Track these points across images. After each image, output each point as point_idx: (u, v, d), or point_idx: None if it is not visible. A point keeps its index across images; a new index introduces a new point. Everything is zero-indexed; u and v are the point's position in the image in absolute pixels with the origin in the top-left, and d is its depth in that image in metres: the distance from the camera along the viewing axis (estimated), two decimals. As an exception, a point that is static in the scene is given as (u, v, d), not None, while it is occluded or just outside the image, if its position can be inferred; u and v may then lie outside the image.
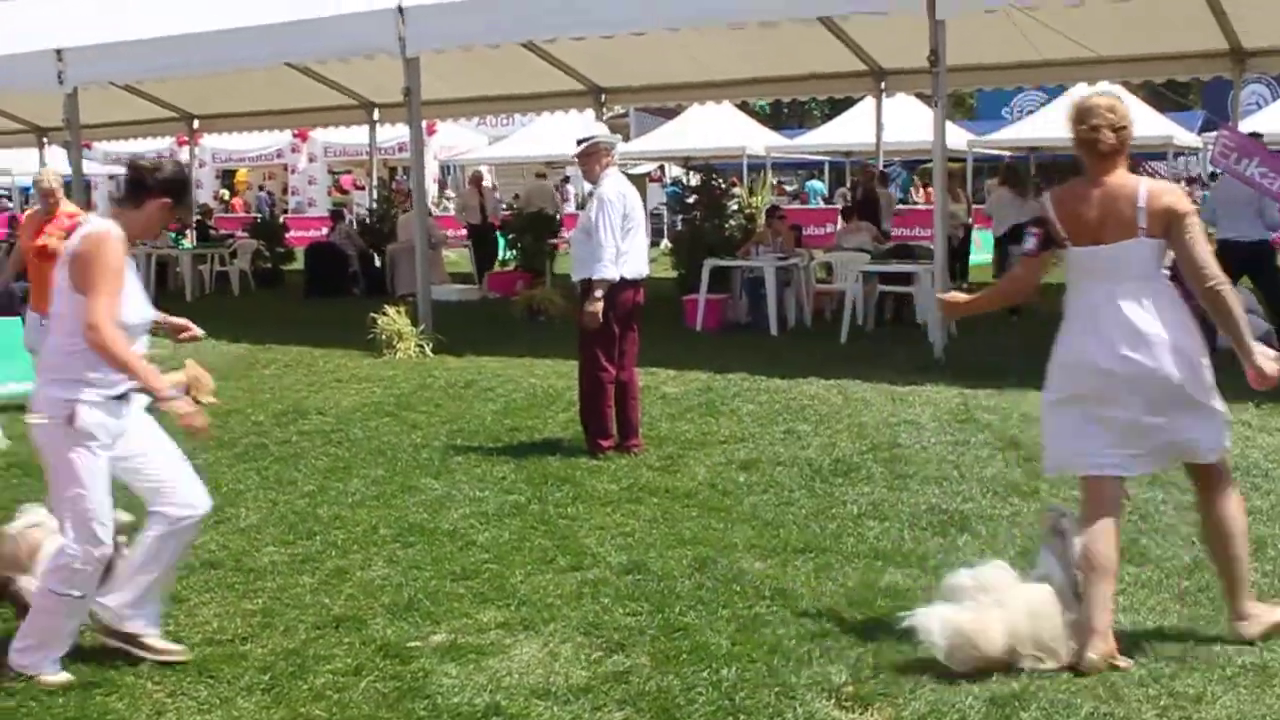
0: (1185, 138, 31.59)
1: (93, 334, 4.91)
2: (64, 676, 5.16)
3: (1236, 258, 11.99)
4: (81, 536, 5.11)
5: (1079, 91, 26.13)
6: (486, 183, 25.71)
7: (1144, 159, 35.49)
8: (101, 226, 5.10)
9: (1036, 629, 5.07)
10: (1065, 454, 5.44)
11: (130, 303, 5.13)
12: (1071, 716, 4.68)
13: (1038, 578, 5.30)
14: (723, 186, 20.20)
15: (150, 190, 5.20)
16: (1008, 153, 32.71)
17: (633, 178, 38.78)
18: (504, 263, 23.30)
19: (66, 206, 10.75)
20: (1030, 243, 5.48)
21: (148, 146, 34.86)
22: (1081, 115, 5.21)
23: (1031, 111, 35.00)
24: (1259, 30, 16.27)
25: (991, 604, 5.12)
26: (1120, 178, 5.21)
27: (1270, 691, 4.83)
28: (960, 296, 6.32)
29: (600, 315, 8.74)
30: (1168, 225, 5.10)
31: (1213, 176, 30.19)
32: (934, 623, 5.05)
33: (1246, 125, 22.04)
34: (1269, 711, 4.68)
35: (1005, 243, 17.00)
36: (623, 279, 8.82)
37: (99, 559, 5.17)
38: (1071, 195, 5.33)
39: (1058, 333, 5.48)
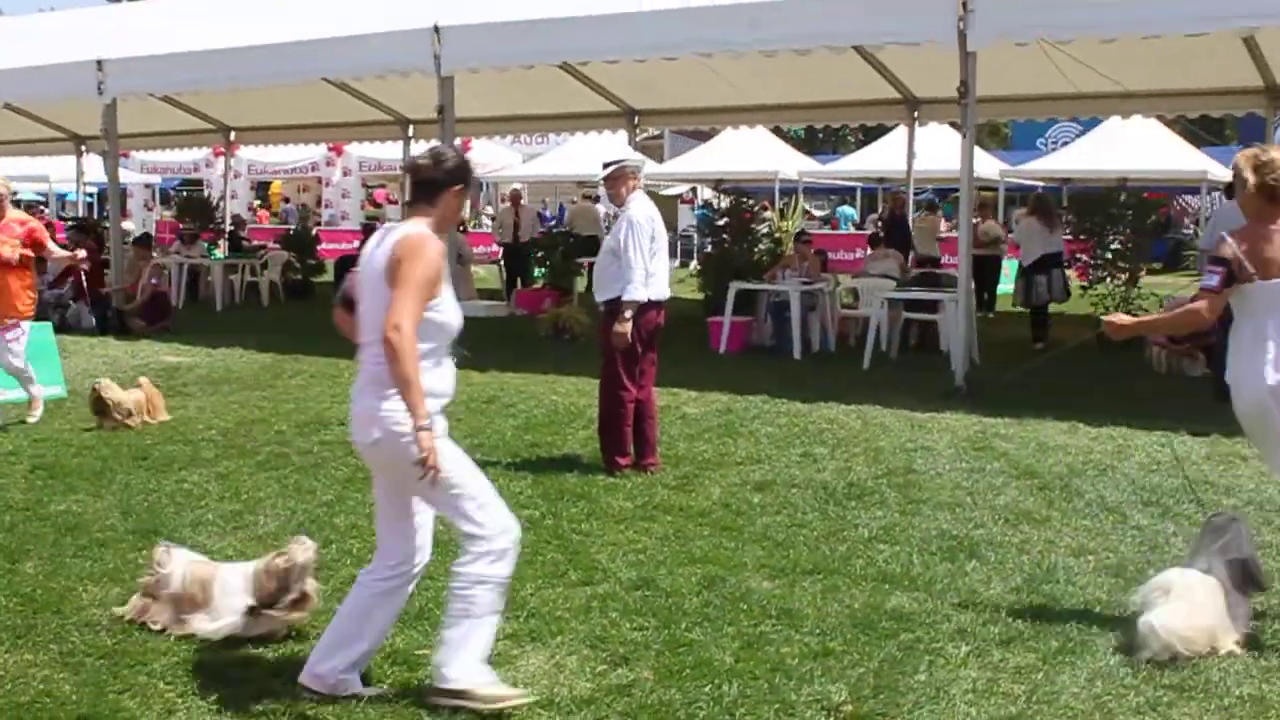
0: (1220, 172, 31.49)
1: (395, 334, 4.72)
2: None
3: None
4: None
5: (1113, 124, 26.36)
6: (524, 201, 25.84)
7: (1178, 192, 35.49)
8: (417, 230, 4.97)
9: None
10: None
11: (449, 305, 5.07)
12: (1067, 742, 4.74)
13: (1202, 570, 5.79)
14: (753, 210, 20.27)
15: (443, 185, 5.11)
16: (1040, 183, 32.72)
17: (665, 199, 38.95)
18: (534, 280, 23.43)
19: (15, 214, 11.08)
20: (1214, 280, 5.86)
21: (184, 158, 35.29)
22: (1261, 167, 5.85)
23: (1066, 143, 35.00)
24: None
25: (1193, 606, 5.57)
26: None
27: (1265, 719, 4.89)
28: (1125, 319, 6.75)
29: (629, 335, 8.83)
30: None
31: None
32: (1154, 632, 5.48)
33: None
34: (1262, 742, 4.73)
35: (1030, 272, 16.99)
36: (648, 300, 8.91)
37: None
38: (1256, 235, 5.86)
39: (1246, 357, 5.89)
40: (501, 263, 23.92)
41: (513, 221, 23.19)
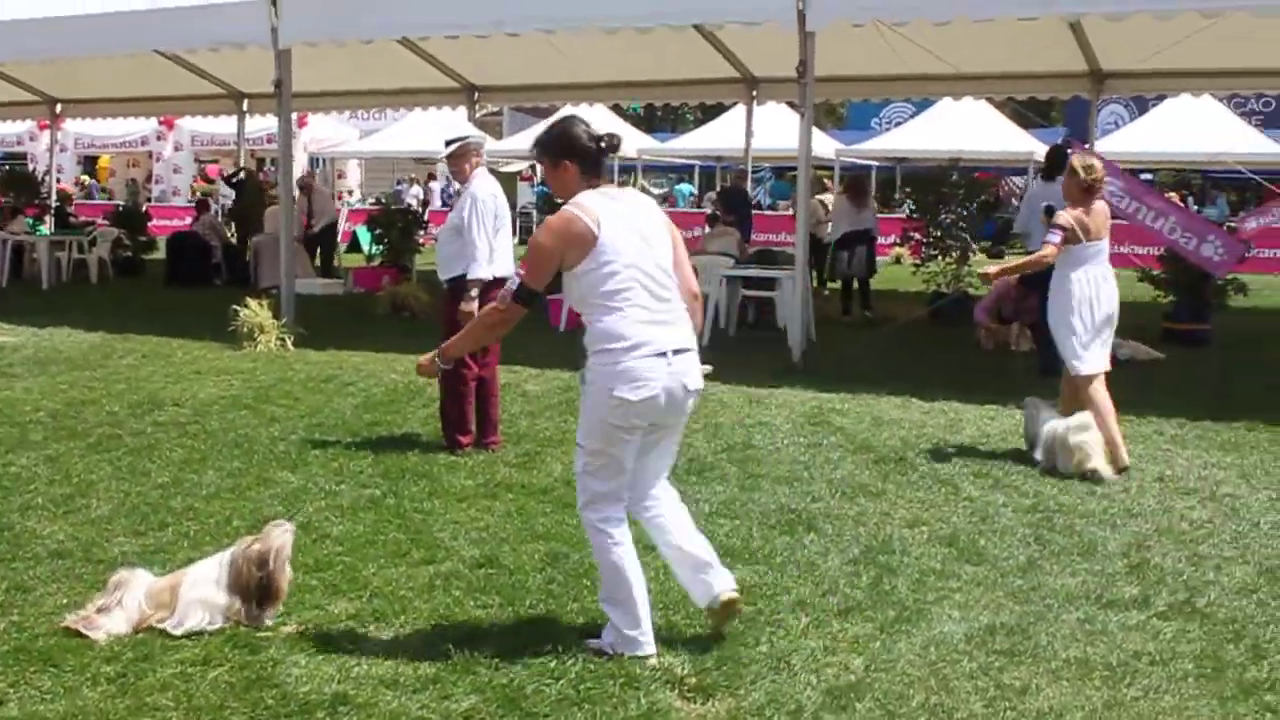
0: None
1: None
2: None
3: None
4: None
5: (945, 105, 26.90)
6: (354, 178, 25.37)
7: (1007, 173, 36.44)
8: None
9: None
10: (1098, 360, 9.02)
11: None
12: (904, 707, 4.86)
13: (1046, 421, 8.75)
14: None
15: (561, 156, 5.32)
16: (875, 162, 33.33)
17: (504, 176, 38.80)
18: (369, 258, 23.11)
19: None
20: (1057, 237, 8.64)
21: (6, 130, 34.11)
22: (1086, 169, 8.81)
23: (900, 123, 35.69)
24: (1117, 53, 16.82)
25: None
26: (1101, 204, 8.98)
27: (1089, 683, 5.07)
28: (993, 265, 9.90)
29: (475, 313, 8.78)
30: None
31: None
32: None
33: (1103, 144, 22.76)
34: (1086, 702, 4.91)
35: (837, 248, 17.49)
36: (492, 277, 8.87)
37: None
38: (1080, 213, 8.77)
39: (1069, 287, 8.87)
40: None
41: (305, 210, 21.03)
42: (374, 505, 7.58)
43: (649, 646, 5.29)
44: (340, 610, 5.80)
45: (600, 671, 5.13)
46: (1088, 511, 7.61)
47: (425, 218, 23.53)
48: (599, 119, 31.30)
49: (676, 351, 5.15)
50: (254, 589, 5.57)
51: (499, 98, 24.52)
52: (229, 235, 23.26)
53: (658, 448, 5.38)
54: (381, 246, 21.99)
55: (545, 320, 15.86)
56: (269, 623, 5.55)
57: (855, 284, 17.68)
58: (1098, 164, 8.86)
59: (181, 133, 37.33)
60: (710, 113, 34.50)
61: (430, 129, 23.32)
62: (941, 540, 7.00)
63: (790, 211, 30.85)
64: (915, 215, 18.91)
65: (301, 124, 29.52)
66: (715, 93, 21.68)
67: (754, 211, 24.30)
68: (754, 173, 27.51)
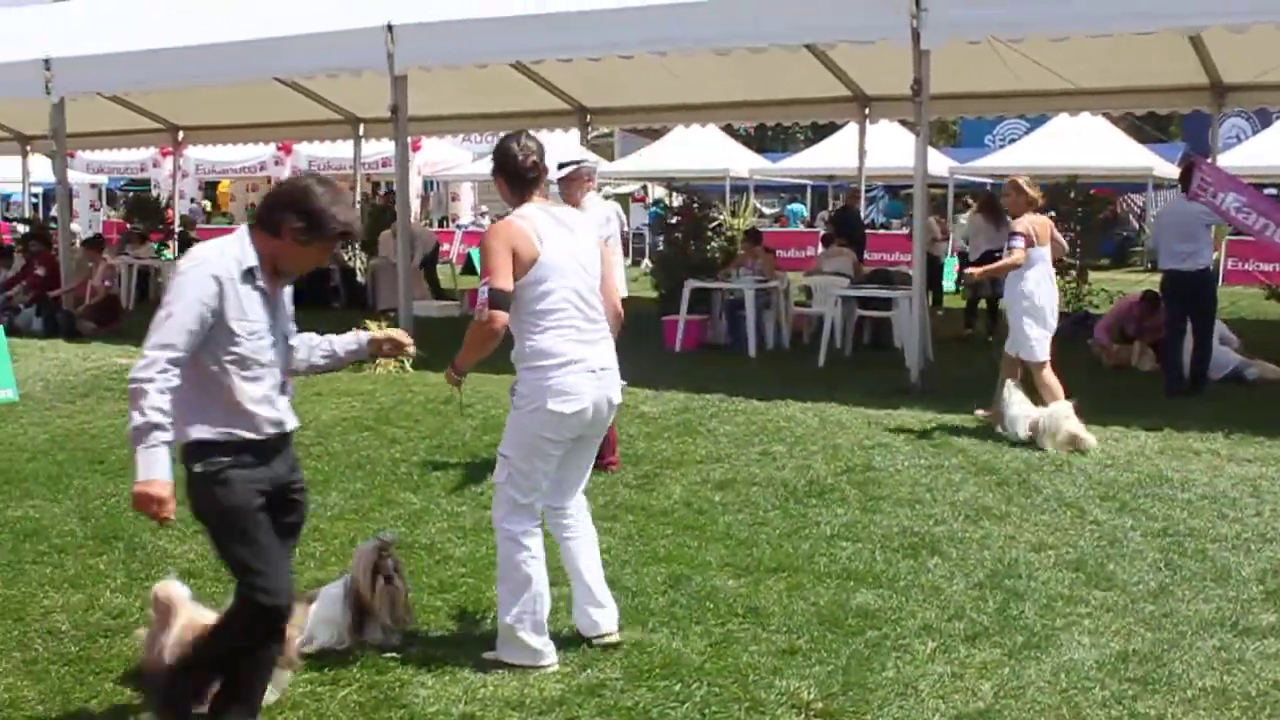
0: (1165, 169, 31.85)
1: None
2: None
3: (1180, 288, 12.37)
4: None
5: (1060, 121, 26.59)
6: (466, 201, 25.58)
7: (1124, 190, 35.84)
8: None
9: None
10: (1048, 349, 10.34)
11: None
12: (1035, 736, 4.79)
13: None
14: (703, 210, 20.25)
15: None
16: (989, 180, 32.92)
17: (616, 197, 38.95)
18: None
19: None
20: (1021, 243, 10.21)
21: (130, 157, 34.94)
22: (1031, 187, 10.55)
23: (1014, 140, 35.28)
24: (1238, 65, 16.48)
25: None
26: (1043, 217, 10.68)
27: (1227, 714, 4.96)
28: (976, 269, 11.84)
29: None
30: None
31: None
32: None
33: (1225, 159, 22.30)
34: (1227, 734, 4.80)
35: (977, 264, 17.22)
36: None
37: None
38: (1033, 221, 10.33)
39: (1024, 286, 10.31)
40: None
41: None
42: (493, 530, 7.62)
43: (550, 658, 5.42)
44: (465, 631, 5.84)
45: (725, 695, 5.12)
46: (1220, 536, 7.44)
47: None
48: (709, 139, 31.49)
49: (603, 368, 5.44)
50: (357, 606, 5.65)
51: (611, 120, 24.59)
52: (346, 259, 23.58)
53: (574, 459, 5.58)
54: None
55: (660, 341, 15.90)
56: (377, 638, 5.59)
57: (984, 303, 17.39)
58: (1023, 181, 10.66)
59: (299, 157, 37.87)
60: (821, 132, 34.39)
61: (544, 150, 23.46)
62: (1069, 564, 6.88)
63: (904, 230, 30.66)
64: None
65: (415, 148, 29.86)
66: (827, 112, 21.56)
67: (868, 231, 24.16)
68: (867, 191, 27.33)
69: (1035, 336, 10.30)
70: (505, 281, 5.26)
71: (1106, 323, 14.99)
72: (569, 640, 5.72)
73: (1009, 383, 10.31)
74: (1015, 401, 10.17)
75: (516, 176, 5.48)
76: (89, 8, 20.80)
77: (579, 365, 5.32)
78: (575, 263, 5.38)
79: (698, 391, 12.13)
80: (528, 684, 5.25)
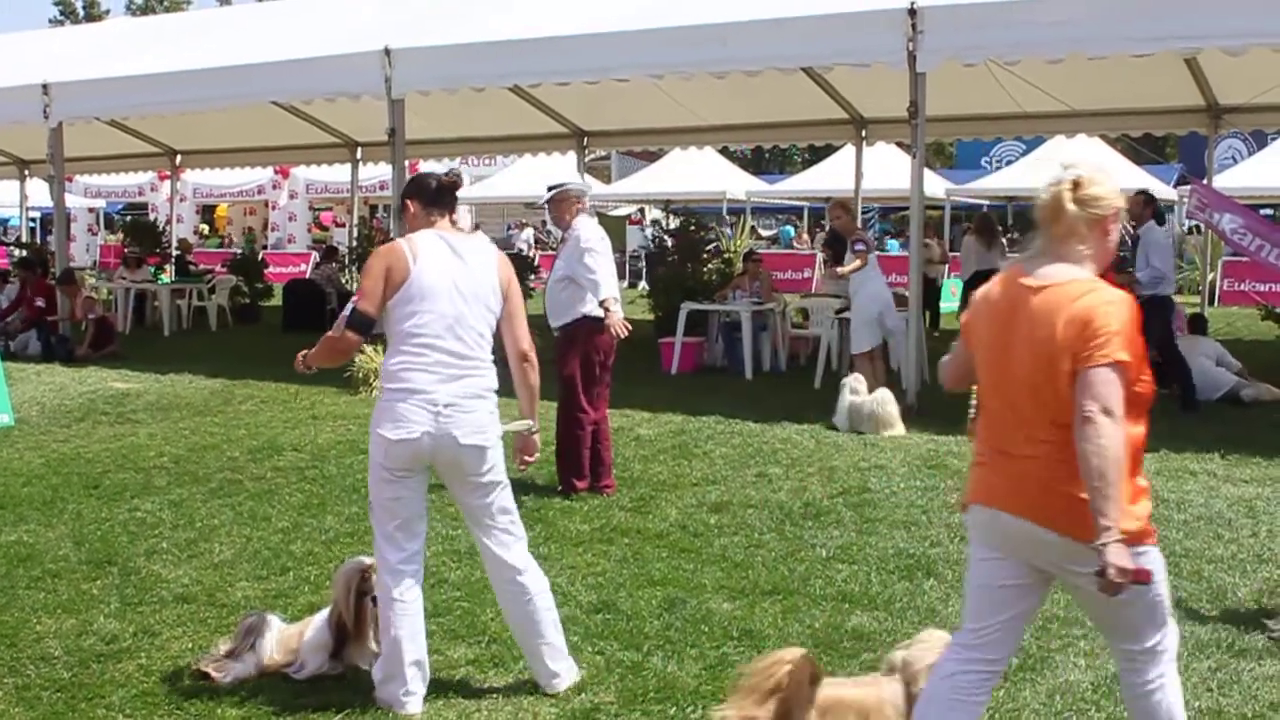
0: (1162, 191, 31.90)
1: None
2: None
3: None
4: None
5: (1056, 143, 26.69)
6: (465, 223, 25.66)
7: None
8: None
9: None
10: None
11: None
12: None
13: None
14: (700, 232, 20.26)
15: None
16: (985, 201, 33.00)
17: (613, 220, 38.94)
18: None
19: None
20: (864, 248, 12.68)
21: (128, 181, 35.01)
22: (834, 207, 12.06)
23: (1010, 162, 35.34)
24: (1234, 87, 16.52)
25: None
26: None
27: (1224, 737, 4.94)
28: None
29: (623, 325, 9.02)
30: None
31: (1190, 230, 30.59)
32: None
33: (1221, 180, 22.36)
34: (1222, 756, 4.78)
35: (966, 287, 17.42)
36: (601, 319, 8.94)
37: None
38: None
39: (873, 289, 12.86)
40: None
41: None
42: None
43: (412, 706, 5.19)
44: (459, 655, 5.83)
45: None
46: (1215, 557, 7.43)
47: (536, 262, 23.69)
48: (706, 162, 31.55)
49: (449, 405, 5.16)
50: (339, 628, 5.61)
51: (608, 142, 24.68)
52: (344, 281, 23.59)
53: (464, 501, 5.41)
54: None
55: (657, 363, 15.89)
56: (367, 661, 5.51)
57: None
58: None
59: (296, 181, 38.03)
60: (818, 154, 34.46)
61: (539, 174, 23.54)
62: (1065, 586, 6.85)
63: (902, 252, 30.68)
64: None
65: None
66: (824, 134, 21.58)
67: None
68: (864, 214, 27.35)
69: (870, 331, 12.91)
70: (370, 304, 5.18)
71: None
72: (563, 664, 5.71)
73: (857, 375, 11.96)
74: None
75: (422, 193, 5.41)
76: (87, 33, 20.92)
77: (420, 397, 5.14)
78: (453, 291, 5.20)
79: (694, 414, 12.12)
80: (521, 708, 5.23)
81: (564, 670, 5.42)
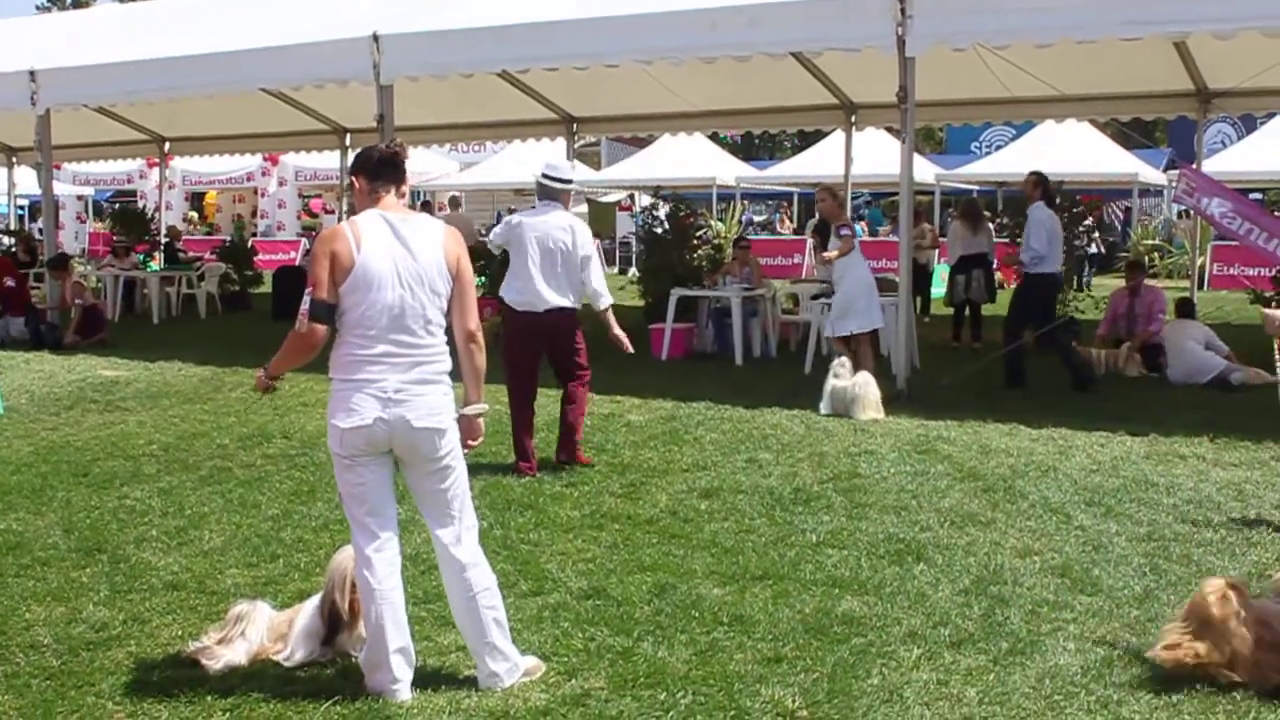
0: (1151, 175, 31.96)
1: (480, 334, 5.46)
2: None
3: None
4: None
5: (1046, 128, 26.70)
6: (449, 210, 25.70)
7: (1111, 196, 35.95)
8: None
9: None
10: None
11: None
12: (1020, 742, 4.78)
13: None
14: (690, 218, 20.23)
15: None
16: (975, 186, 33.03)
17: (603, 206, 38.88)
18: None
19: None
20: (849, 230, 12.91)
21: (117, 169, 34.92)
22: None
23: (1000, 146, 35.39)
24: (1224, 71, 16.51)
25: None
26: None
27: (1213, 716, 4.94)
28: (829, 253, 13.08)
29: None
30: None
31: (1180, 215, 30.62)
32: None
33: (1210, 164, 22.38)
34: (1211, 738, 4.80)
35: (953, 272, 17.47)
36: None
37: None
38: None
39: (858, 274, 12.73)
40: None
41: None
42: (481, 537, 7.57)
43: (401, 694, 5.19)
44: (450, 642, 5.82)
45: (710, 704, 5.11)
46: (1205, 540, 7.44)
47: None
48: (696, 148, 31.53)
49: (399, 390, 5.15)
50: (331, 616, 5.60)
51: (598, 128, 24.65)
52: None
53: (416, 487, 5.38)
54: (483, 278, 22.13)
55: (647, 349, 15.88)
56: (358, 648, 5.50)
57: (969, 310, 17.49)
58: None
59: (285, 168, 37.95)
60: (808, 139, 34.46)
61: (529, 161, 23.48)
62: (1054, 570, 6.88)
63: (891, 237, 30.71)
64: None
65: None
66: (814, 119, 21.55)
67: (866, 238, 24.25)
68: (853, 199, 27.37)
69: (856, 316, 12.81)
70: (325, 291, 5.12)
71: (1102, 331, 15.13)
72: (554, 649, 5.71)
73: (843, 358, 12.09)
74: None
75: (366, 167, 5.31)
76: (74, 19, 20.82)
77: (371, 386, 5.14)
78: (395, 278, 5.13)
79: (684, 400, 12.13)
80: (512, 694, 5.23)
81: (503, 672, 5.31)
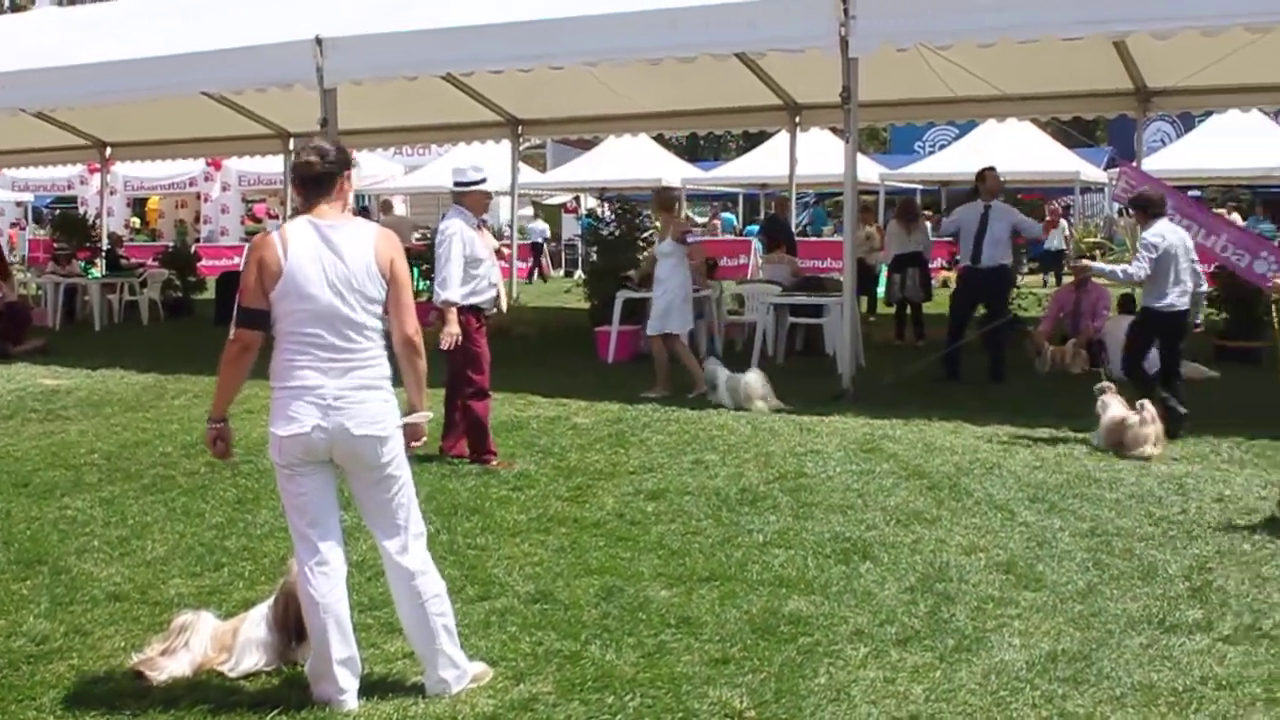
0: (1092, 173, 32.25)
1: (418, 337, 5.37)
2: None
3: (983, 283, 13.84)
4: None
5: (988, 127, 26.86)
6: (400, 211, 25.66)
7: (1053, 194, 36.26)
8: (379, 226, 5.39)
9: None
10: None
11: None
12: (965, 739, 4.81)
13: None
14: (634, 219, 20.24)
15: (339, 174, 5.30)
16: (919, 186, 33.22)
17: (548, 209, 38.84)
18: (416, 293, 23.15)
19: None
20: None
21: (57, 174, 34.55)
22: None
23: (944, 146, 35.61)
24: (1163, 70, 16.69)
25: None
26: None
27: (1155, 710, 5.01)
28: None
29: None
30: None
31: (1120, 211, 30.91)
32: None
33: (1150, 162, 22.60)
34: (1154, 732, 4.84)
35: (890, 271, 17.73)
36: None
37: None
38: None
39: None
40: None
41: None
42: (428, 542, 7.56)
43: (347, 703, 5.16)
44: (396, 648, 5.79)
45: (658, 706, 5.11)
46: (1146, 535, 7.52)
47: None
48: (641, 149, 31.54)
49: (339, 398, 5.11)
50: (289, 624, 5.55)
51: (543, 131, 24.62)
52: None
53: (364, 498, 5.34)
54: (428, 282, 22.05)
55: (593, 352, 15.88)
56: (306, 656, 5.42)
57: (909, 309, 17.64)
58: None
59: (229, 173, 37.67)
60: (753, 140, 34.55)
61: (476, 162, 23.39)
62: (999, 566, 6.93)
63: (836, 237, 30.84)
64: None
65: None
66: (758, 120, 21.64)
67: (799, 239, 24.32)
68: (798, 199, 27.46)
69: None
70: (252, 299, 5.09)
71: (1045, 328, 15.23)
72: (502, 654, 5.69)
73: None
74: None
75: (297, 175, 5.27)
76: (12, 22, 20.57)
77: (310, 393, 5.11)
78: (324, 284, 5.06)
79: (630, 402, 12.11)
80: (460, 700, 5.21)
81: (453, 679, 5.27)
